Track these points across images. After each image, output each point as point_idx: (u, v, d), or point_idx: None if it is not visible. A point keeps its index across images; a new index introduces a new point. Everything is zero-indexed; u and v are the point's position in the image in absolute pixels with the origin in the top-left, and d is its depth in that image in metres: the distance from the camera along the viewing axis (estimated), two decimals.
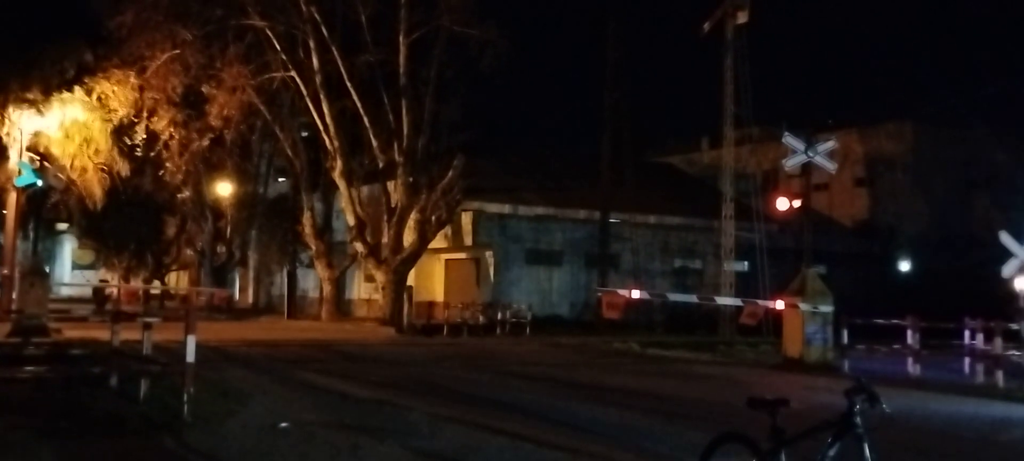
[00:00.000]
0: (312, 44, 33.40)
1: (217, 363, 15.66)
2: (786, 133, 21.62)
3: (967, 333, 19.32)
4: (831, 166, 22.53)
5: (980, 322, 19.14)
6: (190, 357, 11.06)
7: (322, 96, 33.85)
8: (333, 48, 33.10)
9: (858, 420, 5.72)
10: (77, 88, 31.46)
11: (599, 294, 21.69)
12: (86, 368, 12.72)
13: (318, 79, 33.66)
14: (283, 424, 10.99)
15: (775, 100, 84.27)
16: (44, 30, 31.60)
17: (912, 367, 19.36)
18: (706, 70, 52.25)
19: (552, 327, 30.86)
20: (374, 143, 34.22)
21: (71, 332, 18.88)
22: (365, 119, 33.85)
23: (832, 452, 5.87)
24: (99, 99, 31.65)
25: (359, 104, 33.57)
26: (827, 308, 20.58)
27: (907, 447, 9.91)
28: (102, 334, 15.89)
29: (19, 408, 10.93)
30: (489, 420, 11.73)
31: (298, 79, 33.94)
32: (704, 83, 52.91)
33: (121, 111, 32.15)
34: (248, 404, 12.31)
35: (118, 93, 31.88)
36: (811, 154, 21.20)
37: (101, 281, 46.05)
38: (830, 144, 22.18)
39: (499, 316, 31.29)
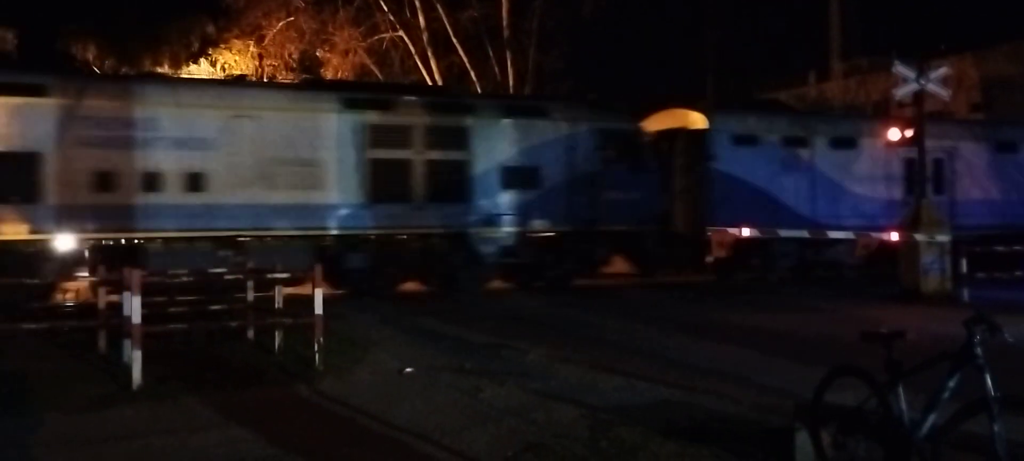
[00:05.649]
0: (417, 3, 33.98)
1: (344, 314, 16.30)
2: (896, 62, 20.84)
3: None
4: (945, 93, 21.55)
5: None
6: (318, 309, 11.74)
7: (430, 53, 34.50)
8: (438, 6, 33.64)
9: (979, 350, 5.58)
10: (202, 59, 33.05)
11: (709, 233, 21.50)
12: (225, 323, 13.48)
13: (425, 37, 34.33)
14: (408, 369, 11.54)
15: (884, 29, 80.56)
16: (169, 7, 33.06)
17: None
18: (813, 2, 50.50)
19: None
20: None
21: None
22: (472, 73, 34.42)
23: (952, 383, 5.74)
24: (223, 68, 33.01)
25: (465, 59, 34.13)
26: (944, 237, 20.07)
27: None
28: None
29: (168, 360, 11.74)
30: (604, 360, 12.01)
31: (406, 38, 34.62)
32: (813, 15, 51.12)
33: None
34: (374, 352, 12.91)
35: (240, 61, 33.31)
36: (923, 82, 20.43)
37: None
38: (943, 71, 21.18)
39: None
